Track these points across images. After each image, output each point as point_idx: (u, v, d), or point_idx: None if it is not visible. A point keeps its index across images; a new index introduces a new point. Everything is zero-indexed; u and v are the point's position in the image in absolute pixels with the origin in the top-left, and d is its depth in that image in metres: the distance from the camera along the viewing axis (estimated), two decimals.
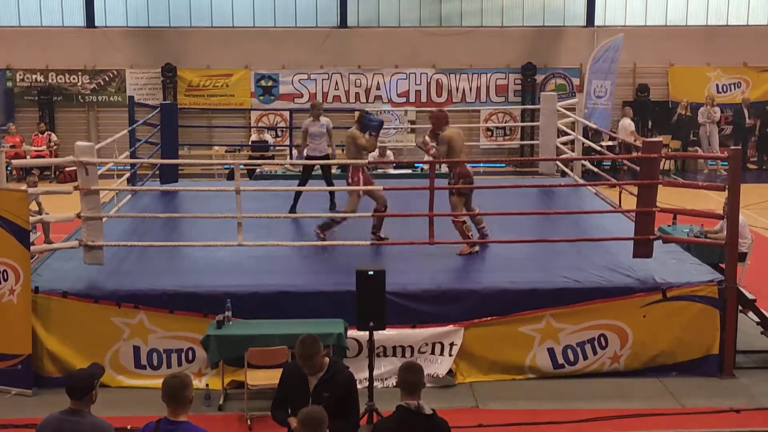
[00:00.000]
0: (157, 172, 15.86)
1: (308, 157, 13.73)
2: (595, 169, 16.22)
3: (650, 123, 24.84)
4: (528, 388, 9.98)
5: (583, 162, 16.51)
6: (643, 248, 10.58)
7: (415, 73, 24.67)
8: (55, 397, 7.38)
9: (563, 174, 16.62)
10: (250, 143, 22.27)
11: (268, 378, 9.23)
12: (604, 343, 10.18)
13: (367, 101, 24.33)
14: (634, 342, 10.19)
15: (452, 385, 9.93)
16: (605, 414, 9.17)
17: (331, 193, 13.64)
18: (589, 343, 10.17)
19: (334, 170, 14.59)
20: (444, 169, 18.61)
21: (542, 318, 10.10)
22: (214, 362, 9.55)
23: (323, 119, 13.74)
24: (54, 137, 23.69)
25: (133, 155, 14.70)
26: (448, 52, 24.64)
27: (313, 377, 6.51)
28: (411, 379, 5.81)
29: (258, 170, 18.58)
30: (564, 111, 16.31)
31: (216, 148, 23.14)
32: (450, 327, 10.02)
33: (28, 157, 22.45)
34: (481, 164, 24.21)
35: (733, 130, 24.67)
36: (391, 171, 18.53)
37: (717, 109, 23.83)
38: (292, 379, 6.60)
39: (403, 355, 9.91)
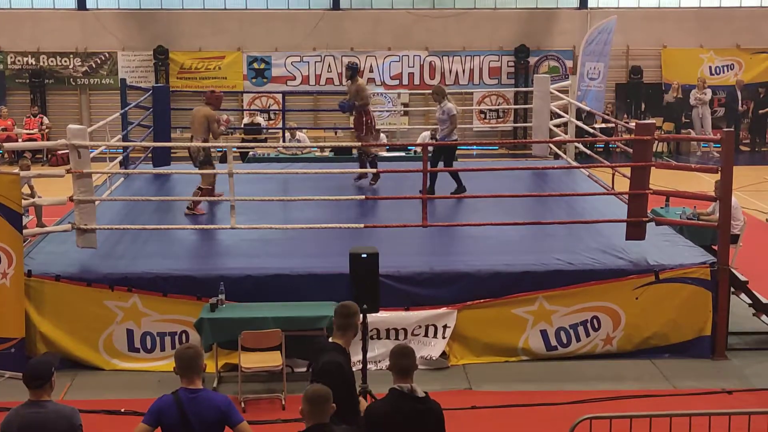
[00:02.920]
0: (150, 155, 15.82)
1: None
2: (588, 152, 16.23)
3: (643, 105, 24.85)
4: (521, 370, 10.01)
5: (576, 144, 16.51)
6: (635, 230, 10.60)
7: (408, 56, 24.61)
8: None
9: (556, 156, 16.62)
10: (242, 126, 22.22)
11: (261, 361, 9.25)
12: (596, 325, 10.21)
13: None
14: (626, 324, 10.22)
15: (445, 367, 9.95)
16: (598, 396, 9.20)
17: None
18: (582, 325, 10.20)
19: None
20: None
21: (535, 300, 10.12)
22: (208, 345, 9.55)
23: (444, 105, 13.26)
24: (46, 120, 23.60)
25: (125, 138, 14.67)
26: (441, 34, 24.58)
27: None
28: (403, 363, 5.80)
29: (251, 153, 18.55)
30: (557, 93, 16.29)
31: None
32: (443, 309, 10.03)
33: (19, 140, 22.39)
34: (474, 147, 24.23)
35: (725, 113, 24.69)
36: (384, 153, 18.51)
37: (708, 90, 23.81)
38: (343, 370, 6.24)
39: (397, 338, 9.93)
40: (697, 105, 23.73)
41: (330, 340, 6.54)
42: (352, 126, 14.27)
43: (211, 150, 12.89)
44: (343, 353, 6.34)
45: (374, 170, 13.40)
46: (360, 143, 13.27)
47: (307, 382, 9.55)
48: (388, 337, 9.96)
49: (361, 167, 13.97)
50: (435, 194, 12.57)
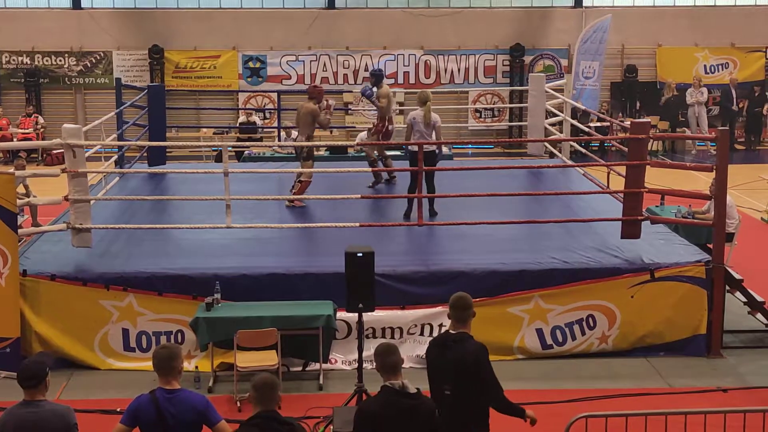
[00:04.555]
0: (145, 154, 15.81)
1: None
2: (584, 150, 16.24)
3: (638, 104, 24.87)
4: (517, 368, 9.99)
5: (572, 143, 16.51)
6: (631, 229, 10.61)
7: (403, 55, 24.61)
8: None
9: (552, 155, 16.63)
10: (238, 125, 22.20)
11: (257, 360, 9.25)
12: (592, 324, 10.22)
13: (355, 82, 24.26)
14: (622, 322, 10.23)
15: None
16: (593, 394, 9.21)
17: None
18: (578, 323, 10.20)
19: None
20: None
21: (531, 299, 10.12)
22: (204, 344, 9.56)
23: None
24: (41, 120, 23.56)
25: (120, 137, 14.64)
26: (436, 33, 24.58)
27: None
28: (389, 361, 5.78)
29: (246, 152, 18.54)
30: (552, 92, 16.29)
31: (204, 130, 23.07)
32: (439, 308, 10.00)
33: (14, 139, 22.37)
34: (470, 145, 24.23)
35: (720, 111, 24.71)
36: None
37: (704, 89, 23.86)
38: (487, 353, 6.46)
39: (392, 337, 9.93)
40: (692, 104, 23.78)
41: (452, 332, 6.48)
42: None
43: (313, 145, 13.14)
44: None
45: (369, 169, 13.42)
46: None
47: (303, 380, 9.66)
48: (383, 336, 9.96)
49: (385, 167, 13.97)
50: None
